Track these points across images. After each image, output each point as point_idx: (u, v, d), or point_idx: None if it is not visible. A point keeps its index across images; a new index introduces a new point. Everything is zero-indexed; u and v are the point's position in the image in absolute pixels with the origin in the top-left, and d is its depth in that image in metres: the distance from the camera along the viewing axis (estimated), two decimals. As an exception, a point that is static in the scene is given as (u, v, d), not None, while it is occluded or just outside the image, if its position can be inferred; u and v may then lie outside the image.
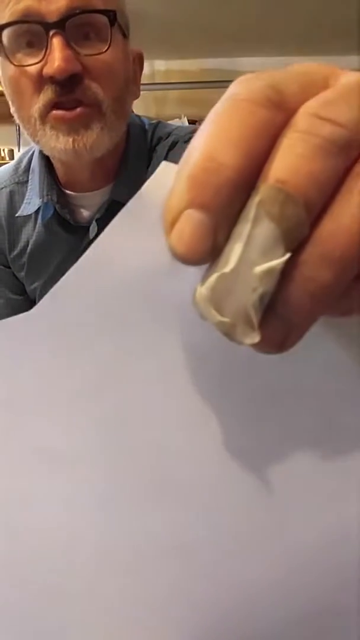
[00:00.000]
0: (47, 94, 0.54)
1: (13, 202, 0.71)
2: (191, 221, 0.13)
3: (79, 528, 0.19)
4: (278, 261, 0.13)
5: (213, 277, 0.14)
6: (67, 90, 0.54)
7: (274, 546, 0.20)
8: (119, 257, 0.16)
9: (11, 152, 3.26)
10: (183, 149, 0.55)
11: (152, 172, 0.59)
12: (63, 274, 0.65)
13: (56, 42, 0.52)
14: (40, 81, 0.54)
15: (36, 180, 0.68)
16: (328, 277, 0.13)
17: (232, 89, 0.14)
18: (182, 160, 0.14)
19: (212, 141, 0.13)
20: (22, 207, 0.69)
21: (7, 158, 3.24)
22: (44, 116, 0.56)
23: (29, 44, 0.54)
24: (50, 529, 0.19)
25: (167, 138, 0.69)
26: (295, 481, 0.19)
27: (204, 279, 0.14)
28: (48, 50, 0.52)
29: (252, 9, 2.77)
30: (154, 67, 3.40)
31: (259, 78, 0.14)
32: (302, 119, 0.13)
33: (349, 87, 0.14)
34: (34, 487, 0.18)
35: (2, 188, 0.72)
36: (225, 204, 0.13)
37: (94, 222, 0.65)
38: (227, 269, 0.13)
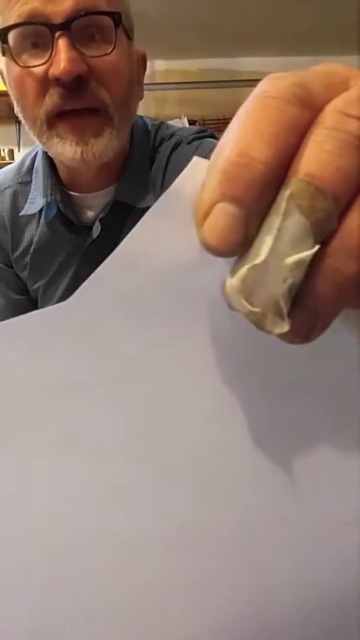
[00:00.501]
0: (53, 98, 0.54)
1: (16, 202, 0.71)
2: (223, 214, 0.14)
3: (103, 515, 0.19)
4: (308, 252, 0.13)
5: (244, 269, 0.14)
6: (74, 94, 0.54)
7: (288, 536, 0.20)
8: (150, 251, 0.17)
9: (11, 152, 3.26)
10: (186, 150, 0.55)
11: (155, 173, 0.59)
12: (65, 273, 0.66)
13: (62, 44, 0.52)
14: (46, 82, 0.54)
15: (40, 180, 0.68)
16: (354, 268, 0.14)
17: (261, 87, 0.15)
18: (213, 155, 0.15)
19: (244, 137, 0.14)
20: (25, 206, 0.70)
21: (7, 158, 3.24)
22: (51, 121, 0.56)
23: (35, 45, 0.54)
24: (73, 514, 0.19)
25: (170, 139, 0.69)
26: (313, 471, 0.20)
27: (233, 270, 0.15)
28: (53, 52, 0.52)
29: (252, 9, 2.77)
30: (154, 67, 3.40)
31: (286, 77, 0.15)
32: (329, 116, 0.14)
33: None
34: (60, 471, 0.19)
35: (6, 188, 0.72)
36: (257, 198, 0.14)
37: (97, 221, 0.66)
38: (258, 260, 0.14)
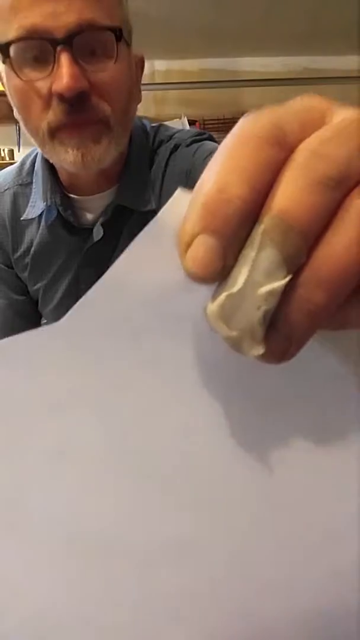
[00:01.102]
0: (56, 113, 0.55)
1: (16, 204, 0.72)
2: (204, 245, 0.15)
3: (88, 527, 0.20)
4: (279, 284, 0.15)
5: (222, 296, 0.15)
6: (76, 109, 0.54)
7: (276, 545, 0.21)
8: (138, 276, 0.18)
9: (11, 152, 3.26)
10: (184, 153, 0.55)
11: (155, 175, 0.59)
12: (66, 275, 0.66)
13: (64, 59, 0.52)
14: (48, 97, 0.54)
15: (40, 183, 0.68)
16: (323, 298, 0.15)
17: (240, 124, 0.16)
18: (195, 189, 0.16)
19: (223, 174, 0.15)
20: (26, 210, 0.70)
21: (7, 158, 3.24)
22: (53, 132, 0.56)
23: (36, 59, 0.53)
24: (68, 523, 0.20)
25: (168, 141, 0.69)
26: (303, 484, 0.20)
27: (214, 296, 0.16)
28: (55, 66, 0.52)
29: (252, 9, 2.77)
30: (154, 67, 3.41)
31: (264, 116, 0.16)
32: (302, 155, 0.15)
33: (343, 125, 0.15)
34: (48, 484, 0.20)
35: (6, 190, 0.73)
36: (234, 231, 0.15)
37: (99, 225, 0.66)
38: (235, 289, 0.15)
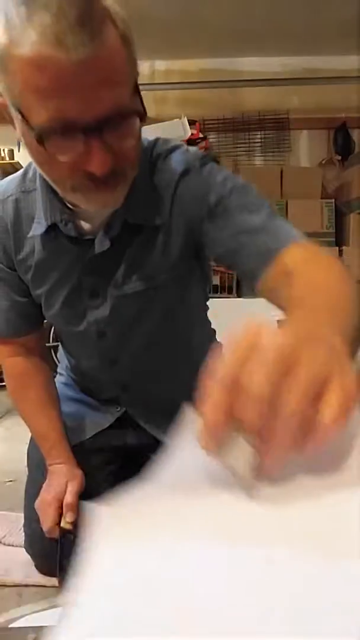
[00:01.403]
0: (81, 180, 0.57)
1: (19, 209, 0.74)
2: (209, 444, 0.29)
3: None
4: (250, 457, 0.30)
5: (229, 460, 0.30)
6: (103, 180, 0.56)
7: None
8: (180, 460, 0.34)
9: (11, 152, 3.26)
10: (196, 178, 0.66)
11: (163, 193, 0.72)
12: (67, 282, 0.69)
13: (95, 145, 0.53)
14: (74, 167, 0.55)
15: (40, 201, 0.70)
16: (277, 461, 0.29)
17: (214, 375, 0.29)
18: (201, 411, 0.29)
19: (210, 411, 0.29)
20: (32, 226, 0.72)
21: (7, 158, 3.24)
22: (75, 189, 0.58)
23: (64, 136, 0.53)
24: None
25: (167, 155, 0.71)
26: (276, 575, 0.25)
27: (227, 458, 0.30)
28: (85, 148, 0.53)
29: (252, 9, 2.77)
30: (154, 67, 3.40)
31: (224, 367, 0.29)
32: (247, 389, 0.28)
33: (263, 357, 0.28)
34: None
35: (9, 196, 0.74)
36: (222, 436, 0.29)
37: (102, 237, 0.68)
38: (232, 460, 0.30)
